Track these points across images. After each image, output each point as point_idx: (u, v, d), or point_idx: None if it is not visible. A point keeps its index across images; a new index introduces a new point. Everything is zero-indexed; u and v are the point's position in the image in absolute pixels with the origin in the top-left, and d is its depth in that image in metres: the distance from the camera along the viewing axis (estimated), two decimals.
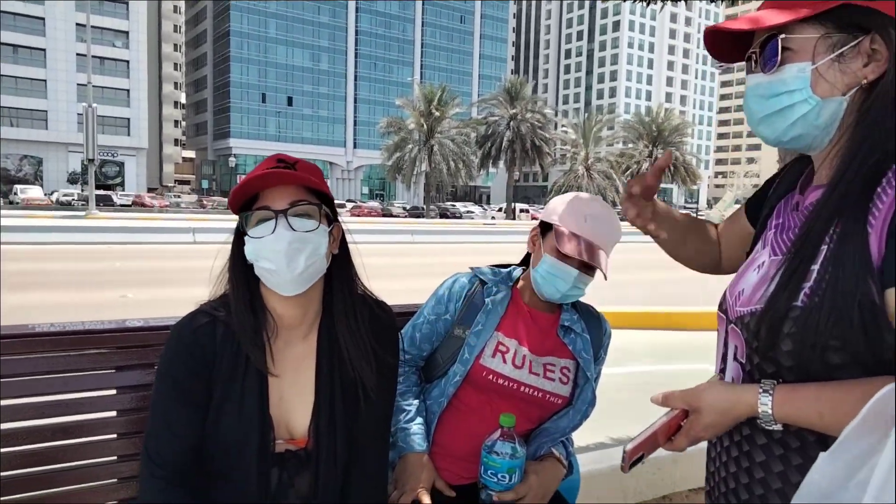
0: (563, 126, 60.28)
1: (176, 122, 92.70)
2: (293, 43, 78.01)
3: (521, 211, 51.25)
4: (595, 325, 1.64)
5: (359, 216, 39.39)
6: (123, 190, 55.44)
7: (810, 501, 0.74)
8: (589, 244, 1.47)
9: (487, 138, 52.06)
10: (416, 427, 1.52)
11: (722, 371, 1.00)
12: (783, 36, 0.86)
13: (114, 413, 1.47)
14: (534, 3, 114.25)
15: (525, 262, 1.68)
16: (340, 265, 1.25)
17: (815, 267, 0.82)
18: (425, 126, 46.98)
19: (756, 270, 0.96)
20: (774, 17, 0.85)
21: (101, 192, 43.69)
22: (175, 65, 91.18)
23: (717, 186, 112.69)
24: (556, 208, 1.54)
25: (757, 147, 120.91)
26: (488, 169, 55.14)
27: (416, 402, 1.56)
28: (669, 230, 1.19)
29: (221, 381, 1.18)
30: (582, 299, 1.64)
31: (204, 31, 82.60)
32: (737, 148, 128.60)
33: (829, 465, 0.74)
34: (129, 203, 43.79)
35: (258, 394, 1.19)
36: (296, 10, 77.59)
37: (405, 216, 45.79)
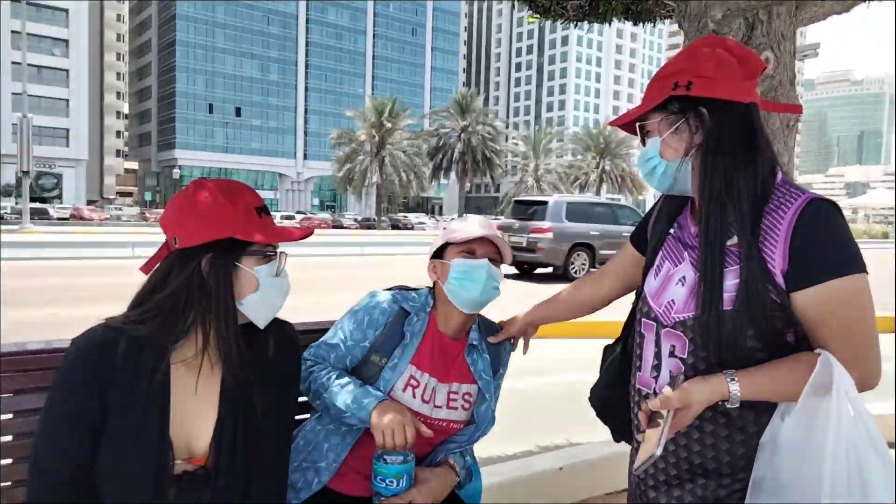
0: (513, 138, 61.18)
1: (118, 132, 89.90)
2: (242, 53, 76.93)
3: None
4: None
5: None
6: (61, 202, 53.36)
7: (788, 454, 1.05)
8: (486, 237, 1.57)
9: (439, 150, 52.39)
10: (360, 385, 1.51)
11: (656, 367, 1.24)
12: (639, 123, 1.25)
13: (9, 437, 1.45)
14: (485, 17, 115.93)
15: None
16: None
17: (729, 282, 1.11)
18: (376, 137, 46.98)
19: (680, 284, 1.22)
20: (636, 112, 1.24)
21: (37, 205, 41.97)
22: (118, 74, 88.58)
23: None
24: (447, 230, 1.63)
25: None
26: (440, 180, 55.48)
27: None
28: (563, 316, 1.68)
29: (120, 400, 1.16)
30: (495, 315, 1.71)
31: (149, 40, 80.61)
32: None
33: (794, 425, 1.04)
34: (67, 216, 42.15)
35: (159, 416, 1.19)
36: (244, 21, 76.62)
37: (357, 227, 45.52)
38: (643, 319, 1.30)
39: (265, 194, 79.38)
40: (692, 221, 1.26)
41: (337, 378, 1.52)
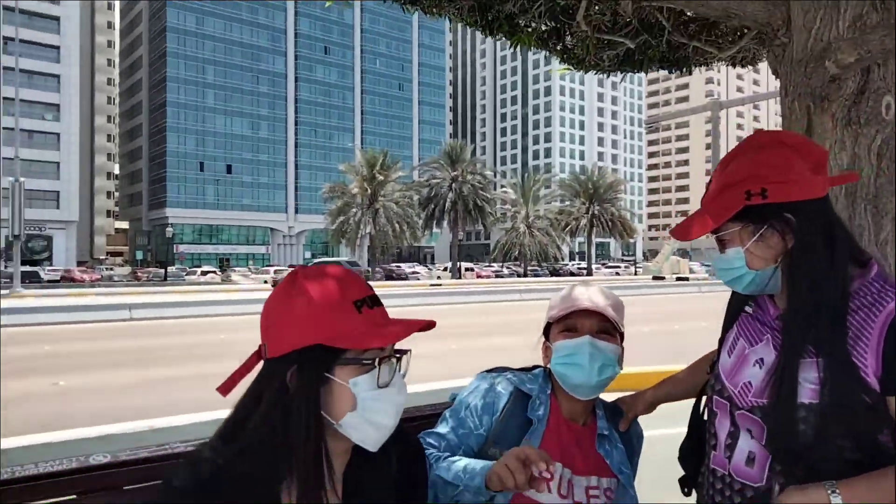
0: (502, 186, 61.81)
1: (109, 193, 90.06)
2: (232, 112, 78.02)
3: (467, 269, 51.56)
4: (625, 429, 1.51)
5: None
6: (51, 265, 52.87)
7: None
8: (586, 308, 1.38)
9: (430, 200, 52.74)
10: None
11: (729, 447, 1.18)
12: (716, 234, 1.18)
13: None
14: (469, 70, 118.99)
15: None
16: None
17: (811, 374, 1.05)
18: (369, 190, 47.28)
19: (757, 366, 1.16)
20: (708, 225, 1.16)
21: (27, 267, 41.64)
22: (109, 136, 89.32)
23: (652, 239, 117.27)
24: (549, 308, 1.48)
25: (686, 201, 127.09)
26: (432, 229, 55.63)
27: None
28: (682, 396, 1.53)
29: None
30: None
31: (139, 102, 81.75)
32: (667, 202, 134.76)
33: None
34: (58, 279, 41.69)
35: None
36: (234, 81, 78.00)
37: None
38: (715, 397, 1.23)
39: (258, 249, 79.25)
40: (771, 303, 1.20)
41: (447, 458, 1.31)
